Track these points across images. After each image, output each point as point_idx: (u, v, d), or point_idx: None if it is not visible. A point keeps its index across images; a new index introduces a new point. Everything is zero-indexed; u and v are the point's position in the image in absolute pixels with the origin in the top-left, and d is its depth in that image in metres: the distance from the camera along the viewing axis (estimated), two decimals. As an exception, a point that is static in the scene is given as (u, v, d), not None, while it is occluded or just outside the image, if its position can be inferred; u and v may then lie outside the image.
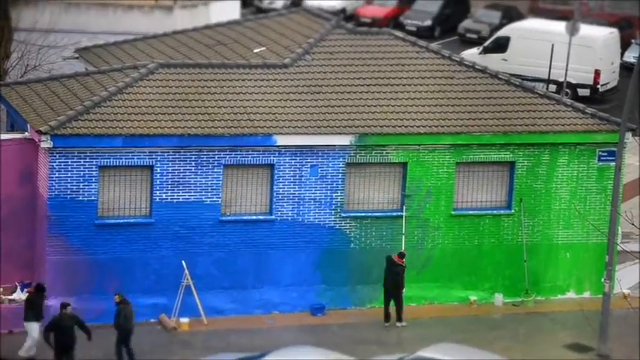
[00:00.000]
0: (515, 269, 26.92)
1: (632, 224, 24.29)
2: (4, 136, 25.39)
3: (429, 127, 26.12)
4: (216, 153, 25.02)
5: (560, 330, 25.89)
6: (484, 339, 24.88)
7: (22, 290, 24.68)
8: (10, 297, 24.58)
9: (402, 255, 25.41)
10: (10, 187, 24.81)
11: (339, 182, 25.71)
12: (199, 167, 24.95)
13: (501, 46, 41.73)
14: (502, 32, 42.63)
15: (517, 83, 27.85)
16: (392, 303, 25.30)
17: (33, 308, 23.10)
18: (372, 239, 26.08)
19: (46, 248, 24.35)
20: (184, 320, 24.88)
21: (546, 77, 39.05)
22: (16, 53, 32.49)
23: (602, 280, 24.69)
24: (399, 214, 26.13)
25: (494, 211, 26.77)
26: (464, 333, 25.13)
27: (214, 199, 25.07)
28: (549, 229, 27.11)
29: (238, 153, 25.14)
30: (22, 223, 24.90)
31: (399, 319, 25.34)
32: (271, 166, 25.37)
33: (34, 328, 23.04)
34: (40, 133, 24.13)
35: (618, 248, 25.52)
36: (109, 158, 24.42)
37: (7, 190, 24.79)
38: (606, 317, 24.17)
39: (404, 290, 25.24)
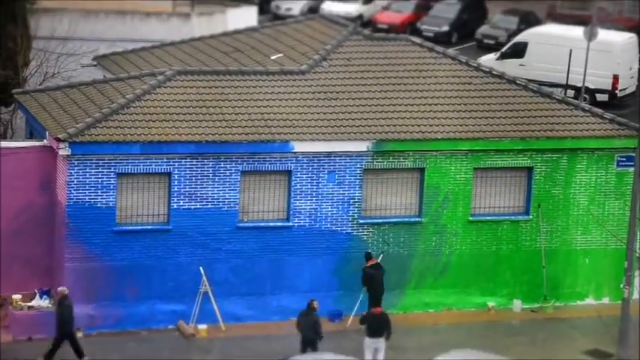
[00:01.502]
0: (534, 275, 26.84)
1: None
2: (23, 144, 25.52)
3: (447, 132, 26.09)
4: (233, 160, 25.07)
5: (579, 336, 25.79)
6: (502, 345, 24.81)
7: (40, 297, 24.78)
8: (29, 304, 24.67)
9: (368, 256, 24.90)
10: (28, 194, 24.92)
11: (357, 188, 25.70)
12: (217, 174, 25.00)
13: (519, 51, 41.62)
14: (520, 38, 42.52)
15: (535, 89, 27.80)
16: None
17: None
18: (390, 245, 26.04)
19: (65, 255, 24.44)
20: (202, 327, 24.91)
21: (564, 83, 38.91)
22: (35, 61, 32.67)
23: (621, 285, 24.57)
24: (417, 220, 26.09)
25: (512, 217, 26.70)
26: (482, 339, 25.07)
27: (232, 206, 25.11)
28: (568, 235, 27.01)
29: (256, 160, 25.18)
30: (41, 230, 25.01)
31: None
32: (289, 173, 25.39)
33: None
34: (58, 140, 24.24)
35: (637, 254, 25.40)
36: (127, 165, 24.50)
37: (26, 198, 24.91)
38: (625, 323, 24.05)
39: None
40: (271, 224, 25.42)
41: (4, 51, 31.73)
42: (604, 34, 40.36)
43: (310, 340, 23.09)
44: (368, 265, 25.27)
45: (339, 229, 25.69)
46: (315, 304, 23.31)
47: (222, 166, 25.02)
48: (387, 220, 25.92)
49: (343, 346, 23.69)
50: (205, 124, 25.15)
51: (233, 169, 25.06)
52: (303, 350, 23.17)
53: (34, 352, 23.43)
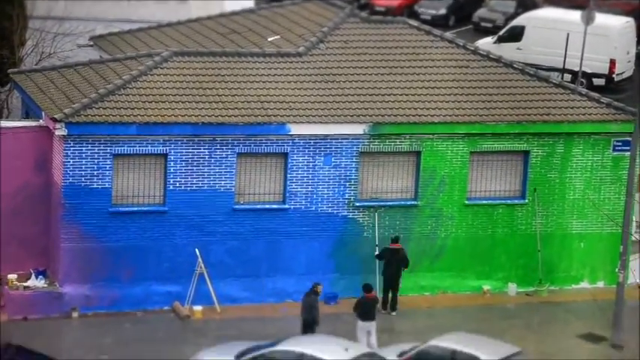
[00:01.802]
0: (529, 259, 26.88)
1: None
2: (19, 124, 25.46)
3: (443, 116, 26.07)
4: (230, 141, 25.04)
5: (573, 320, 25.86)
6: (497, 328, 24.87)
7: (36, 277, 24.79)
8: (24, 284, 24.68)
9: (396, 239, 25.23)
10: (24, 174, 24.89)
11: (353, 171, 25.69)
12: (213, 155, 24.97)
13: (516, 35, 41.52)
14: (517, 21, 42.41)
15: (532, 73, 27.76)
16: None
17: None
18: (386, 228, 26.07)
19: (61, 236, 24.43)
20: (198, 308, 24.94)
21: (561, 67, 38.85)
22: (31, 41, 32.53)
23: (616, 270, 24.63)
24: (413, 203, 26.10)
25: (508, 201, 26.72)
26: (477, 322, 25.13)
27: (228, 188, 25.10)
28: (563, 219, 27.04)
29: (252, 141, 25.15)
30: (37, 210, 24.99)
31: (394, 308, 25.30)
32: (285, 155, 25.37)
33: None
34: (54, 120, 24.19)
35: (632, 238, 25.44)
36: (123, 146, 24.46)
37: (22, 178, 24.87)
38: (620, 307, 24.13)
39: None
40: (267, 206, 25.41)
41: (0, 30, 31.60)
42: (601, 18, 40.25)
43: (309, 322, 23.13)
44: (389, 247, 25.16)
45: (335, 211, 25.70)
46: (320, 288, 23.31)
47: (218, 147, 24.99)
48: (383, 203, 25.92)
49: (338, 329, 23.74)
50: (202, 106, 25.11)
51: (229, 151, 25.03)
52: (304, 332, 23.20)
53: (30, 332, 23.45)
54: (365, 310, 23.29)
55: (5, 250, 24.79)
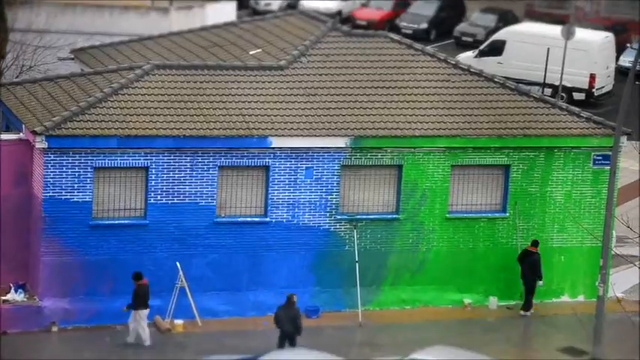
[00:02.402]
0: (510, 272, 26.93)
1: (628, 227, 24.31)
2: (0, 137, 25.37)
3: (425, 129, 26.14)
4: (211, 154, 25.01)
5: (554, 333, 25.91)
6: (479, 342, 24.88)
7: (15, 291, 24.64)
8: (4, 297, 24.51)
9: (535, 243, 25.97)
10: (5, 187, 24.77)
11: (334, 184, 25.71)
12: (194, 169, 24.93)
13: (497, 49, 41.78)
14: (498, 36, 42.69)
15: (512, 87, 27.88)
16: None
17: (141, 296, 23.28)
18: (367, 241, 26.08)
19: (41, 249, 24.31)
20: (179, 322, 24.85)
21: (542, 81, 39.09)
22: (12, 54, 32.46)
23: (597, 283, 24.69)
24: (394, 216, 26.13)
25: (489, 214, 26.79)
26: (458, 336, 25.14)
27: (209, 201, 25.06)
28: (544, 233, 27.13)
29: (233, 155, 25.13)
30: (17, 223, 24.86)
31: (527, 308, 25.96)
32: (266, 168, 25.36)
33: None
34: (35, 133, 24.10)
35: (612, 252, 25.54)
36: (104, 159, 24.40)
37: (2, 191, 24.74)
38: (600, 321, 24.18)
39: (540, 282, 25.97)
40: (249, 219, 25.38)
41: (-20, 43, 31.49)
42: (581, 33, 40.56)
43: (289, 334, 23.11)
44: (527, 248, 26.02)
45: (316, 224, 25.70)
46: (295, 297, 23.35)
47: (199, 160, 24.95)
48: (365, 217, 25.93)
49: (319, 343, 23.69)
50: (183, 119, 25.08)
51: (211, 164, 25.00)
52: (281, 345, 23.16)
53: (9, 347, 23.28)
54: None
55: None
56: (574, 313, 25.61)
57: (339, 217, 25.81)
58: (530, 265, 26.18)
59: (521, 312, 26.39)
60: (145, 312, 23.63)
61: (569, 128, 27.05)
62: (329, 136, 25.52)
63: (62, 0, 39.04)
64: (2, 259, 24.80)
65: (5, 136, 25.35)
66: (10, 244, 24.87)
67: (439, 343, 23.15)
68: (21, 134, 25.05)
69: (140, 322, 23.60)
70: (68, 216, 24.27)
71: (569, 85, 40.28)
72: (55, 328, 24.27)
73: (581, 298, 27.30)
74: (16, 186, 24.86)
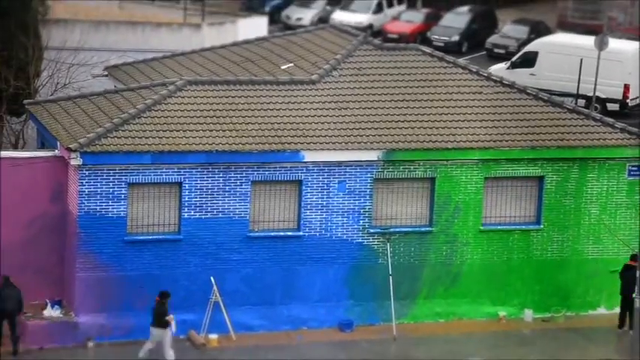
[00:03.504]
0: (545, 284, 26.77)
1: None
2: (35, 154, 25.60)
3: (457, 142, 26.08)
4: (244, 169, 25.09)
5: (590, 346, 25.70)
6: (514, 354, 24.73)
7: (52, 307, 24.81)
8: (40, 314, 24.69)
9: (634, 257, 25.86)
10: (40, 204, 24.98)
11: (367, 198, 25.69)
12: (227, 183, 25.02)
13: (529, 60, 41.59)
14: (530, 47, 42.50)
15: (545, 98, 27.77)
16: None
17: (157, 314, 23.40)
18: (400, 254, 26.03)
19: (76, 265, 24.48)
20: (213, 336, 24.91)
21: (575, 92, 38.87)
22: (46, 72, 32.76)
23: (634, 295, 24.50)
24: (427, 229, 26.07)
25: (523, 227, 26.65)
26: (493, 349, 25.00)
27: (242, 216, 25.12)
28: (579, 244, 26.94)
29: (266, 169, 25.20)
30: (53, 240, 25.06)
31: (623, 324, 25.79)
32: (299, 182, 25.40)
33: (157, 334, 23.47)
34: (69, 150, 24.30)
35: (649, 263, 25.32)
36: (138, 175, 24.55)
37: (38, 208, 24.96)
38: (637, 332, 23.96)
39: (634, 295, 25.79)
40: (282, 234, 25.42)
41: (15, 62, 31.82)
42: (615, 44, 40.30)
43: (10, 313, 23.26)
44: (627, 263, 25.86)
45: (349, 238, 25.68)
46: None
47: (232, 175, 25.04)
48: (398, 230, 25.89)
49: (354, 356, 23.64)
50: (216, 134, 25.19)
51: (243, 178, 25.08)
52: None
53: (46, 362, 23.46)
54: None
55: (22, 280, 24.83)
56: (611, 325, 25.29)
57: (372, 230, 25.78)
58: (627, 279, 25.75)
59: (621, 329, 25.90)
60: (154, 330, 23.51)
61: (604, 139, 26.89)
62: (361, 149, 25.53)
63: (95, 17, 39.43)
64: (39, 275, 24.99)
65: (41, 154, 25.59)
66: (46, 260, 25.06)
67: (474, 356, 23.05)
68: (56, 151, 25.27)
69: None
70: (103, 232, 24.43)
71: (602, 95, 40.00)
72: (91, 344, 24.41)
73: (617, 310, 27.05)
74: (52, 202, 25.06)
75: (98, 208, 24.38)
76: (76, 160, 24.18)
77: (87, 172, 24.27)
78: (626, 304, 25.86)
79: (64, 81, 32.51)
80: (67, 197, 25.06)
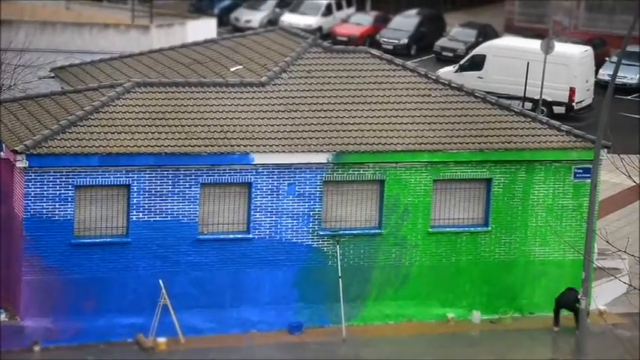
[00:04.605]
0: (493, 286, 26.98)
1: (607, 242, 24.41)
2: (-20, 156, 25.25)
3: (406, 144, 26.20)
4: (193, 171, 24.98)
5: (537, 347, 25.95)
6: (462, 356, 24.89)
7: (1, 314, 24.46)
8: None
9: None
10: (-15, 206, 24.66)
11: (317, 200, 25.71)
12: (176, 186, 24.89)
13: (477, 64, 41.95)
14: (478, 50, 42.87)
15: (493, 101, 28.00)
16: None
17: None
18: (350, 257, 26.08)
19: (22, 268, 24.19)
20: (162, 340, 24.76)
21: (522, 95, 39.25)
22: (-8, 73, 32.36)
23: (579, 296, 24.77)
24: (377, 231, 26.15)
25: (472, 229, 26.84)
26: (442, 350, 25.14)
27: (191, 218, 25.01)
28: (526, 246, 27.20)
29: (215, 171, 25.11)
30: (-2, 243, 24.75)
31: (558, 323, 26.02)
32: (249, 185, 25.35)
33: None
34: (15, 152, 24.02)
35: (594, 265, 25.62)
36: (86, 177, 24.33)
37: (-17, 210, 24.64)
38: (583, 334, 24.24)
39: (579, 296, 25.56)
40: (231, 236, 25.34)
41: (-40, 62, 31.39)
42: (561, 47, 40.78)
43: None
44: None
45: (299, 240, 25.68)
46: None
47: (181, 178, 24.92)
48: (347, 232, 25.94)
49: (303, 358, 23.61)
50: (165, 136, 25.05)
51: (193, 181, 24.97)
52: None
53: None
54: None
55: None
56: (550, 327, 25.50)
57: (321, 232, 25.81)
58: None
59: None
60: None
61: (550, 142, 27.18)
62: (311, 151, 25.54)
63: (42, 18, 39.00)
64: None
65: (-14, 155, 25.26)
66: (-9, 263, 24.73)
67: (423, 357, 23.15)
68: (1, 153, 24.96)
69: None
70: (50, 235, 24.17)
71: (549, 98, 40.45)
72: (37, 348, 24.13)
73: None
74: (-3, 205, 24.75)
75: (45, 210, 24.12)
76: (22, 163, 23.90)
77: (33, 175, 24.00)
78: (557, 304, 26.20)
79: (10, 82, 32.12)
80: (12, 200, 24.75)
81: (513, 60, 40.49)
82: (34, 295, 24.16)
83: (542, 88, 38.85)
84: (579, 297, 24.52)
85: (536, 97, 39.27)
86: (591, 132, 28.42)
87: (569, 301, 26.04)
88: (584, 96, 41.90)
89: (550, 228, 27.03)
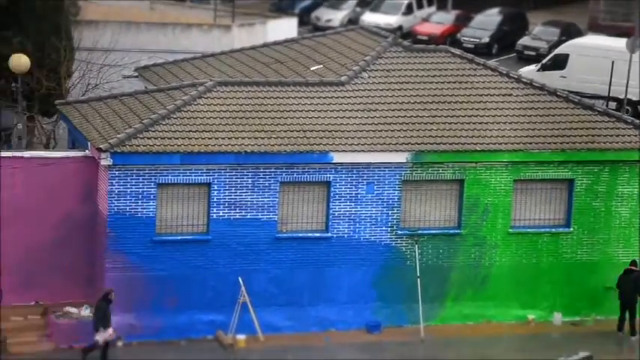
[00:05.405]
0: (574, 288, 26.60)
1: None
2: (66, 154, 25.76)
3: (487, 144, 25.98)
4: (273, 170, 25.13)
5: (621, 350, 25.49)
6: (542, 358, 24.58)
7: (86, 309, 24.93)
8: (68, 311, 24.82)
9: (634, 262, 25.84)
10: (70, 204, 25.14)
11: (396, 199, 25.66)
12: (256, 184, 25.07)
13: (560, 63, 41.37)
14: (561, 49, 42.27)
15: (576, 100, 27.61)
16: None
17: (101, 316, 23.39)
18: (429, 257, 25.97)
19: (106, 265, 24.61)
20: (241, 337, 24.96)
21: (606, 94, 38.62)
22: (78, 72, 32.99)
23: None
24: (456, 231, 25.98)
25: (553, 229, 26.51)
26: (522, 352, 24.89)
27: (271, 217, 25.16)
28: (609, 248, 26.76)
29: (295, 170, 25.22)
30: (83, 239, 25.20)
31: (633, 332, 25.62)
32: (328, 184, 25.40)
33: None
34: (100, 150, 24.44)
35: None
36: (167, 175, 24.65)
37: (68, 208, 25.12)
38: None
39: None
40: (310, 235, 25.43)
41: (47, 62, 32.08)
42: (646, 46, 39.98)
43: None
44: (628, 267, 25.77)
45: (377, 240, 25.66)
46: (112, 295, 23.24)
47: (261, 176, 25.09)
48: (426, 232, 25.83)
49: (381, 358, 23.59)
50: (245, 135, 25.25)
51: (272, 179, 25.12)
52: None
53: (75, 361, 23.60)
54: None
55: (51, 280, 25.00)
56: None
57: (400, 232, 25.74)
58: (633, 281, 25.67)
59: (633, 338, 25.80)
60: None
61: (635, 142, 26.69)
62: (390, 151, 25.49)
63: (126, 18, 39.63)
64: (68, 274, 25.13)
65: (71, 154, 25.75)
66: (76, 260, 25.20)
67: (502, 359, 22.93)
68: (86, 151, 25.42)
69: None
70: (132, 232, 24.54)
71: (634, 98, 39.71)
72: (120, 343, 24.52)
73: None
74: (82, 202, 25.21)
75: (128, 208, 24.50)
76: (106, 161, 24.31)
77: (117, 172, 24.40)
78: (624, 309, 25.70)
79: (95, 81, 32.72)
80: (97, 197, 25.20)
81: (597, 59, 39.84)
82: (117, 291, 24.54)
83: (627, 87, 38.15)
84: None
85: (620, 97, 38.59)
86: (677, 132, 27.83)
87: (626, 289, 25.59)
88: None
89: (634, 230, 26.54)
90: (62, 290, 24.97)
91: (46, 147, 30.83)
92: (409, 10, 50.49)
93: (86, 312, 24.81)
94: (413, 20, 50.30)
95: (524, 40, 47.66)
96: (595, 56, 40.26)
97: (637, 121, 27.61)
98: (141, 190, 24.50)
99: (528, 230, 26.40)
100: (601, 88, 39.06)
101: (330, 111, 26.24)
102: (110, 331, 23.39)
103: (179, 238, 24.84)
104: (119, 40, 35.25)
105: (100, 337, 23.32)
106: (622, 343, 25.47)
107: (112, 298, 23.44)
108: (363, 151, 25.37)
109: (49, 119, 32.21)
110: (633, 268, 25.93)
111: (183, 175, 24.70)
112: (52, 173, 25.03)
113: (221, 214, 24.96)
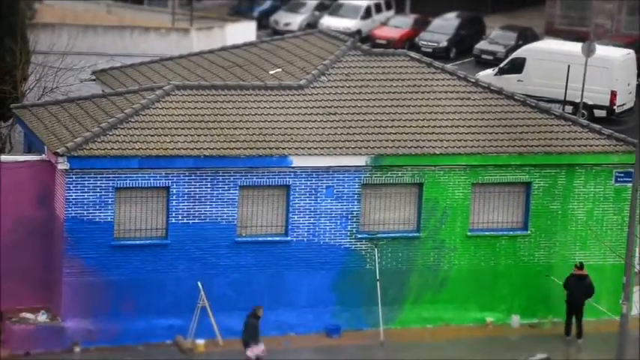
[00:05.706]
0: (532, 290, 26.80)
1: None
2: (21, 158, 25.52)
3: (445, 147, 26.12)
4: (232, 174, 25.07)
5: (577, 351, 25.71)
6: (501, 360, 24.74)
7: (42, 315, 24.70)
8: (24, 317, 24.59)
9: (581, 266, 25.94)
10: (27, 208, 24.90)
11: (355, 203, 25.70)
12: (215, 188, 24.99)
13: (517, 67, 41.70)
14: (518, 53, 42.61)
15: (533, 104, 27.83)
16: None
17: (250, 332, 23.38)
18: (388, 260, 26.04)
19: (63, 270, 24.40)
20: (200, 341, 24.87)
21: (562, 98, 38.98)
22: (34, 75, 32.68)
23: (620, 301, 24.55)
24: (415, 234, 26.08)
25: (511, 232, 26.69)
26: (481, 354, 25.01)
27: (230, 220, 25.10)
28: (566, 250, 27.00)
29: (254, 174, 25.18)
30: (39, 244, 24.98)
31: (580, 335, 25.71)
32: (287, 187, 25.39)
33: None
34: (56, 154, 24.25)
35: (636, 269, 25.38)
36: (126, 179, 24.50)
37: (24, 212, 24.88)
38: (624, 339, 24.02)
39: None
40: (269, 239, 25.40)
41: (2, 65, 31.73)
42: (602, 50, 40.42)
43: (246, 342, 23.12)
44: (574, 273, 25.85)
45: (337, 243, 25.68)
46: (260, 311, 23.25)
47: (220, 180, 25.01)
48: (386, 235, 25.90)
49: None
50: (204, 139, 25.17)
51: (231, 183, 25.06)
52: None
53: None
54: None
55: (6, 285, 24.73)
56: (597, 331, 25.30)
57: (359, 235, 25.78)
58: (585, 288, 25.86)
59: (579, 340, 25.95)
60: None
61: (591, 145, 26.96)
62: (349, 154, 25.54)
63: (83, 21, 39.34)
64: (25, 279, 24.88)
65: (27, 158, 25.50)
66: (32, 265, 24.96)
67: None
68: (43, 155, 25.20)
69: None
70: (90, 236, 24.36)
71: (590, 102, 40.11)
72: (77, 349, 24.33)
73: (610, 316, 27.08)
74: (38, 207, 24.98)
75: (85, 212, 24.32)
76: (63, 165, 24.11)
77: (74, 177, 24.21)
78: (572, 312, 25.92)
79: (52, 85, 32.43)
80: (54, 202, 24.98)
81: (554, 63, 40.20)
82: (75, 296, 24.36)
83: (583, 91, 38.53)
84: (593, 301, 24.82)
85: (577, 101, 38.97)
86: (633, 135, 28.17)
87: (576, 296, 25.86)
88: (626, 99, 41.49)
89: (590, 232, 26.80)
90: (18, 295, 24.71)
91: (1, 151, 30.49)
92: (368, 14, 50.63)
93: (42, 317, 24.58)
94: (371, 24, 50.45)
95: (482, 45, 47.98)
96: (551, 60, 40.61)
97: (593, 124, 27.88)
98: (98, 194, 24.34)
99: (486, 233, 26.56)
100: (557, 92, 39.41)
101: (290, 114, 26.24)
102: (262, 346, 23.19)
103: (137, 242, 24.70)
104: (76, 44, 34.95)
105: (252, 353, 23.19)
106: (573, 345, 25.69)
107: (259, 315, 23.25)
108: (323, 154, 25.40)
109: (4, 123, 31.87)
110: (583, 273, 26.02)
111: (141, 179, 24.57)
112: (7, 177, 24.76)
113: (180, 218, 24.85)
